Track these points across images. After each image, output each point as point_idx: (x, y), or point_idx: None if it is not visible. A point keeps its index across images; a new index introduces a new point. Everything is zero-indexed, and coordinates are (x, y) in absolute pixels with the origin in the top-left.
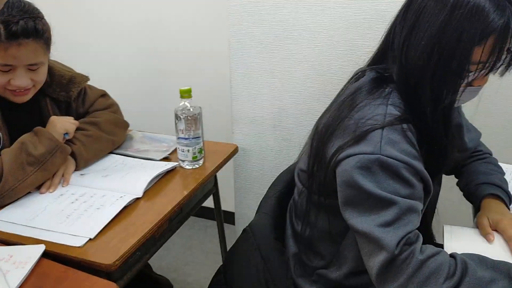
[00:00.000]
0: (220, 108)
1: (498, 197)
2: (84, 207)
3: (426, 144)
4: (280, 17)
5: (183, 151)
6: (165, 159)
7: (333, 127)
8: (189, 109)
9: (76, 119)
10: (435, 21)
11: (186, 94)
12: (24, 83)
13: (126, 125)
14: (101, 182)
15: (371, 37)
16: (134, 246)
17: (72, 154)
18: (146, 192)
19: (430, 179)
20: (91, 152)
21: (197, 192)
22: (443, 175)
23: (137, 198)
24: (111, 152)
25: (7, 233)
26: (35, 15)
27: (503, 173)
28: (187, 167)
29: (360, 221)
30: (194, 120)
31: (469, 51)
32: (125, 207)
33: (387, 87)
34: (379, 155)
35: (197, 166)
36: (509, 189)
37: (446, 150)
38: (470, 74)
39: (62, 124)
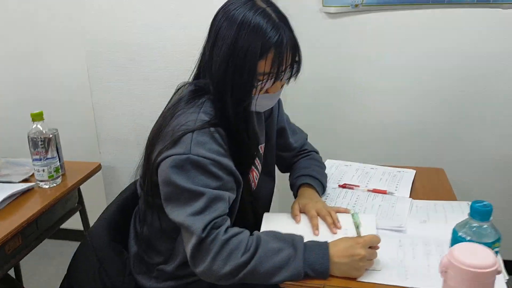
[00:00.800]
0: (88, 129)
1: (310, 185)
2: None
3: (234, 144)
4: (133, 42)
5: (38, 171)
6: (25, 180)
7: (157, 135)
8: (42, 132)
9: None
10: (227, 39)
11: (37, 117)
12: None
13: None
14: None
15: None
16: None
17: None
18: None
19: (237, 173)
20: None
21: (54, 208)
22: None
23: None
24: None
25: None
26: None
27: (323, 167)
28: (45, 186)
29: (177, 214)
30: (47, 141)
31: (255, 64)
32: None
33: (202, 98)
34: (189, 155)
35: (55, 184)
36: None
37: (249, 147)
38: (259, 83)
39: None
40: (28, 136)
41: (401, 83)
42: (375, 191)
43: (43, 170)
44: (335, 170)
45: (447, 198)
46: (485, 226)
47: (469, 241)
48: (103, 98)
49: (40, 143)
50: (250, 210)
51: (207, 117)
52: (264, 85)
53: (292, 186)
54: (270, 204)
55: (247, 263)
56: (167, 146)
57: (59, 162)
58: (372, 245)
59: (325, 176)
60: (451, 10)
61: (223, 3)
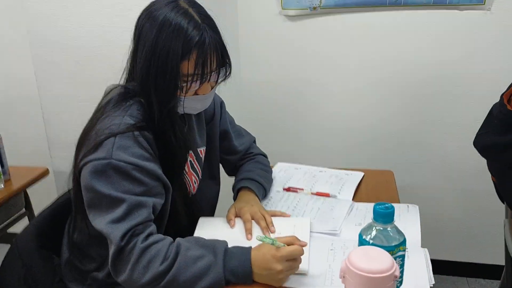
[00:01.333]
0: (38, 134)
1: (249, 189)
2: None
3: (163, 148)
4: (80, 45)
5: None
6: None
7: (82, 139)
8: None
9: None
10: (148, 40)
11: None
12: None
13: None
14: None
15: None
16: None
17: None
18: None
19: (164, 177)
20: None
21: None
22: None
23: None
24: None
25: None
26: None
27: (268, 170)
28: None
29: (98, 221)
30: None
31: (177, 65)
32: None
33: (130, 101)
34: (111, 160)
35: None
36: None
37: (177, 151)
38: (184, 84)
39: None
40: None
41: (360, 84)
42: (318, 194)
43: None
44: (284, 173)
45: (389, 200)
46: (388, 229)
47: (371, 244)
48: (52, 102)
49: None
50: (184, 214)
51: (133, 120)
52: (190, 86)
53: (233, 190)
54: (215, 208)
55: (166, 272)
56: (89, 150)
57: (2, 167)
58: (292, 258)
59: (269, 179)
60: (408, 12)
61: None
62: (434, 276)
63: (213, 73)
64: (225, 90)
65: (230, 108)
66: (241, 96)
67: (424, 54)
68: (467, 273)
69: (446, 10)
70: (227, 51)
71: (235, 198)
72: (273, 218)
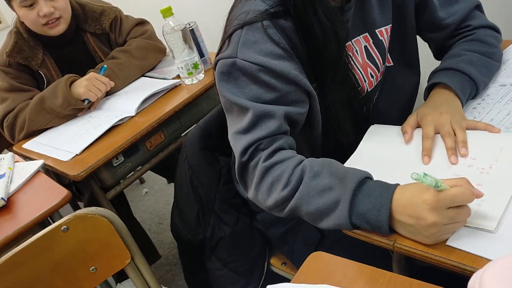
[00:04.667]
0: None
1: (446, 86)
2: (87, 127)
3: (311, 39)
4: None
5: (178, 68)
6: (178, 77)
7: (224, 30)
8: (174, 28)
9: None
10: None
11: (167, 13)
12: (47, 10)
13: (159, 48)
14: (113, 103)
15: None
16: (107, 156)
17: None
18: (142, 110)
19: (304, 80)
20: (120, 80)
21: (197, 103)
22: None
23: (131, 116)
24: (143, 75)
25: (31, 151)
26: None
27: (491, 52)
28: (187, 82)
29: (229, 129)
30: (181, 37)
31: None
32: (120, 124)
33: None
34: (236, 59)
35: (197, 81)
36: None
37: (325, 42)
38: None
39: (86, 92)
40: (162, 34)
41: None
42: None
43: (182, 68)
44: None
45: None
46: None
47: None
48: None
49: (172, 40)
50: (348, 124)
51: (264, 5)
52: None
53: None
54: (411, 109)
55: (289, 198)
56: (220, 46)
57: (200, 57)
58: (456, 204)
59: (489, 67)
60: None
61: None
62: None
63: None
64: None
65: None
66: None
67: None
68: None
69: None
70: None
71: (425, 98)
72: (470, 134)
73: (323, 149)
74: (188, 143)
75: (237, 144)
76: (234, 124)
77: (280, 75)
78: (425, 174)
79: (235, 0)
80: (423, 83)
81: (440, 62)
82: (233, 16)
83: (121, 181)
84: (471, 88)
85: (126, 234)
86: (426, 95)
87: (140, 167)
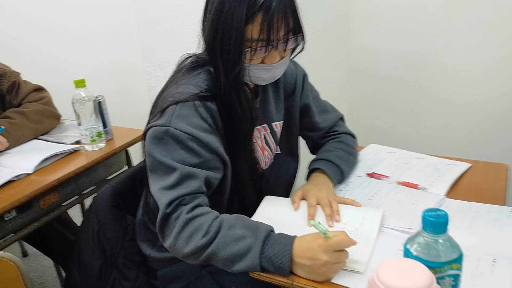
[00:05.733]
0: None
1: (323, 171)
2: None
3: (228, 118)
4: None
5: (81, 135)
6: (77, 142)
7: (153, 106)
8: (84, 98)
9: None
10: (214, 5)
11: (80, 84)
12: None
13: (55, 115)
14: (7, 160)
15: None
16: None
17: None
18: (40, 169)
19: (222, 151)
20: (13, 139)
21: (95, 169)
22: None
23: (28, 174)
24: (36, 138)
25: None
26: None
27: (351, 152)
28: (88, 148)
29: (153, 186)
30: (89, 107)
31: (241, 28)
32: (16, 180)
33: (199, 69)
34: (169, 127)
35: (98, 148)
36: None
37: (242, 122)
38: (248, 50)
39: None
40: (72, 102)
41: (489, 62)
42: (404, 184)
43: (86, 135)
44: (373, 156)
45: (493, 200)
46: (440, 241)
47: (414, 257)
48: (155, 71)
49: (81, 109)
50: (251, 190)
51: (196, 89)
52: (255, 53)
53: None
54: (291, 186)
55: (207, 245)
56: (153, 116)
57: (104, 127)
58: (340, 248)
59: (350, 162)
60: None
61: None
62: None
63: (281, 41)
64: (333, 58)
65: (336, 79)
66: (350, 66)
67: None
68: None
69: None
70: (298, 18)
71: (307, 179)
72: (341, 206)
73: (228, 213)
74: (99, 200)
75: (163, 198)
76: (160, 181)
77: (205, 144)
78: (319, 222)
79: (167, 82)
80: (302, 168)
81: (313, 155)
82: (167, 94)
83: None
84: (340, 176)
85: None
86: (308, 176)
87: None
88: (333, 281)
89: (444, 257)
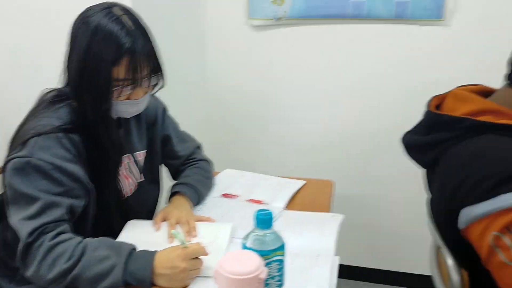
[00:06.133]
0: None
1: (182, 194)
2: None
3: (94, 151)
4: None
5: None
6: None
7: (13, 138)
8: None
9: None
10: (81, 45)
11: None
12: None
13: None
14: None
15: None
16: None
17: None
18: None
19: (85, 180)
20: None
21: None
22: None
23: None
24: None
25: None
26: None
27: (207, 176)
28: None
29: (14, 217)
30: None
31: (108, 70)
32: None
33: (61, 104)
34: (31, 158)
35: None
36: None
37: (110, 154)
38: (115, 89)
39: None
40: None
41: (323, 95)
42: (252, 201)
43: None
44: (228, 179)
45: (320, 209)
46: (267, 234)
47: (249, 249)
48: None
49: None
50: (117, 216)
51: (59, 122)
52: (122, 91)
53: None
54: (153, 212)
55: (71, 269)
56: (14, 149)
57: None
58: (196, 256)
59: (207, 185)
60: (371, 25)
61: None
62: (367, 284)
63: (144, 79)
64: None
65: (194, 110)
66: (206, 99)
67: (386, 66)
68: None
69: (407, 25)
70: (158, 58)
71: (169, 201)
72: (198, 223)
73: (96, 237)
74: None
75: (24, 228)
76: (20, 212)
77: (69, 174)
78: (180, 232)
79: (28, 114)
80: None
81: (174, 180)
82: (28, 127)
83: None
84: (197, 197)
85: None
86: (170, 199)
87: None
88: (190, 287)
89: (271, 247)
